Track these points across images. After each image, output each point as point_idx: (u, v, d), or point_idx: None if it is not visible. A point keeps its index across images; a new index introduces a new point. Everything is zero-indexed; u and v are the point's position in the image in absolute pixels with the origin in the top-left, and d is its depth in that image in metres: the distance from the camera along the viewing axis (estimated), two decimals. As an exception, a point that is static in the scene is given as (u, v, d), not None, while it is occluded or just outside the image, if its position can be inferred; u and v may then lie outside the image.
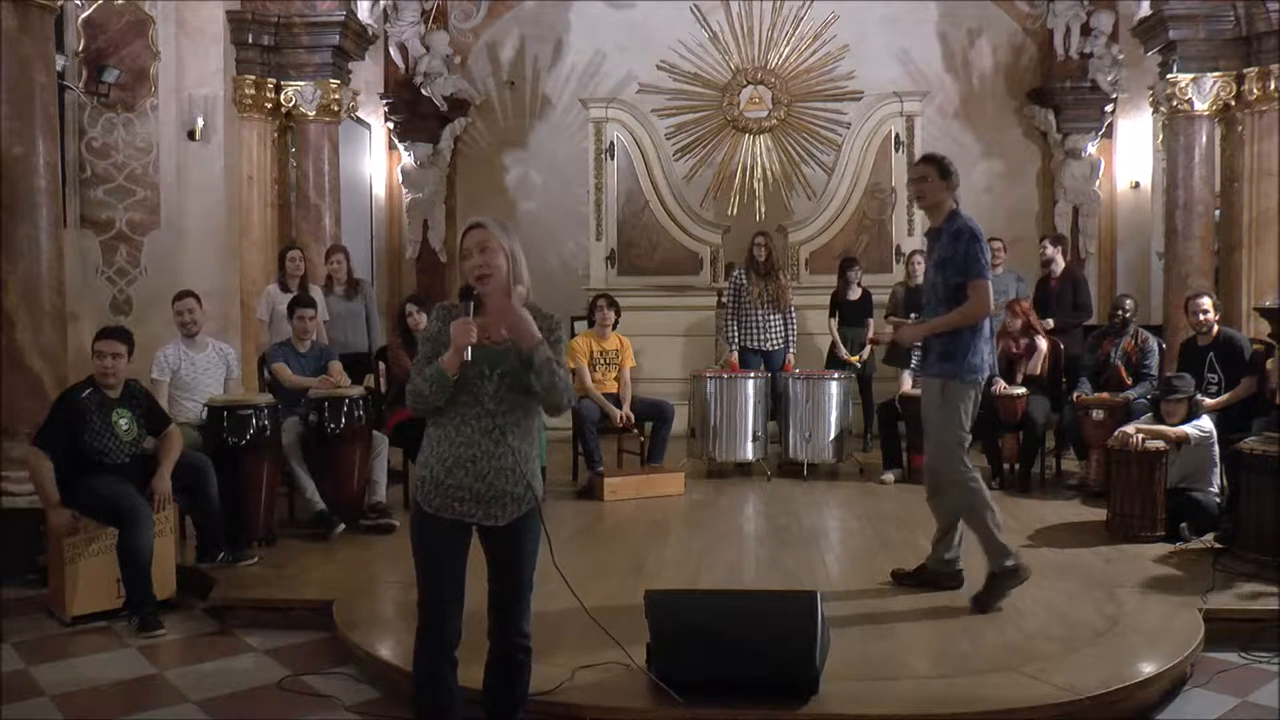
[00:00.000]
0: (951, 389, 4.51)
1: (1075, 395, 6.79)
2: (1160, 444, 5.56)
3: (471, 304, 2.89)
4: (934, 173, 4.63)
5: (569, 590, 3.33)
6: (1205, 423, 5.67)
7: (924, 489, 4.91)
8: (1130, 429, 5.70)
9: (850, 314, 8.53)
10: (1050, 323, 7.70)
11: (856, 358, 8.37)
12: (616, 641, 3.58)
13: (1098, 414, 6.54)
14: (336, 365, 6.25)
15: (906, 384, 7.32)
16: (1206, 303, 6.46)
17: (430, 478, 2.94)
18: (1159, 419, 5.76)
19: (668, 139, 10.20)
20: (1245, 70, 7.99)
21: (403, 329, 6.65)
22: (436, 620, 2.96)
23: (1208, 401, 6.07)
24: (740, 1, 10.11)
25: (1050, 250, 8.11)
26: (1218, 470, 5.68)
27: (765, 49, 10.13)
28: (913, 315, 8.21)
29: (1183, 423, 5.64)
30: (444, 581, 2.95)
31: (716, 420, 7.33)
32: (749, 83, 10.18)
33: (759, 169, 10.19)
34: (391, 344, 6.87)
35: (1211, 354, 6.39)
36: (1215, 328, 6.44)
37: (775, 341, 8.08)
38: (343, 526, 5.70)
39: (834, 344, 8.49)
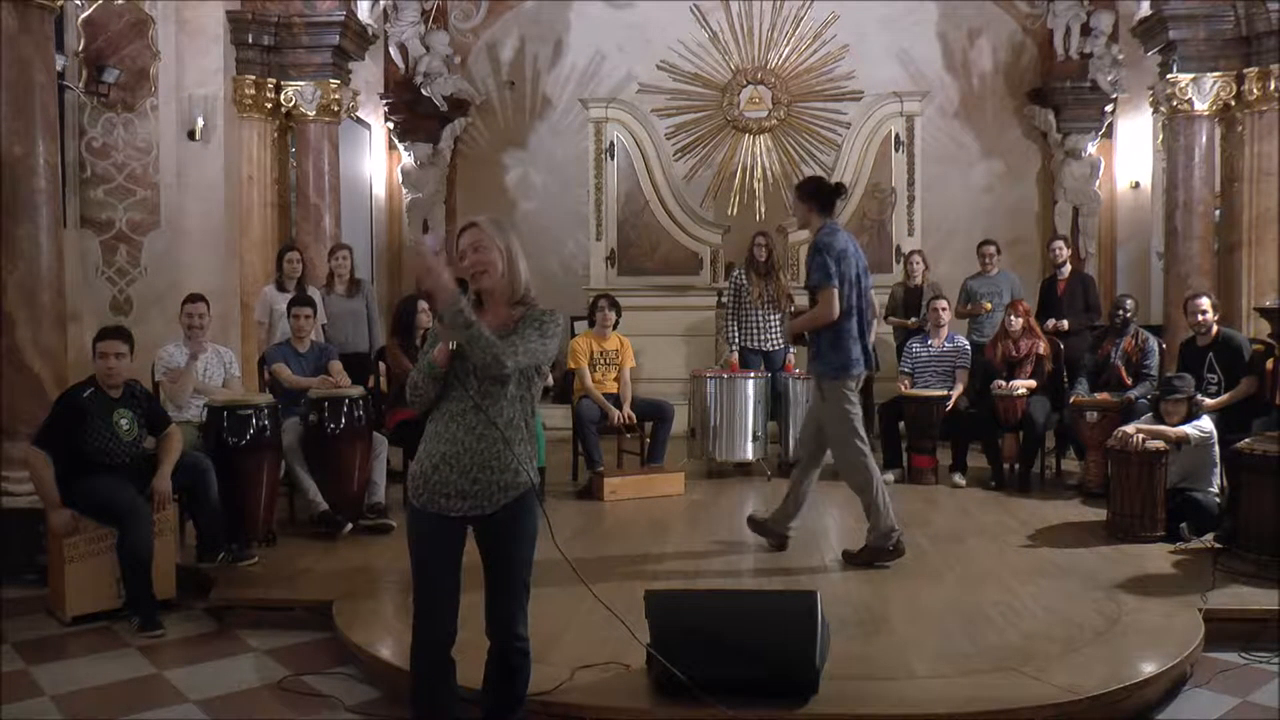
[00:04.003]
0: (825, 386, 5.17)
1: (1072, 397, 6.79)
2: (1160, 444, 5.56)
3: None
4: (794, 199, 5.43)
5: (569, 589, 3.33)
6: (1205, 423, 5.67)
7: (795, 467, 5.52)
8: (1130, 429, 5.70)
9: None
10: (1065, 324, 7.71)
11: None
12: (625, 624, 3.56)
13: (1092, 415, 6.56)
14: (337, 365, 6.25)
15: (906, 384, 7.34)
16: (1205, 303, 6.46)
17: (419, 473, 2.97)
18: (1159, 419, 5.76)
19: (668, 139, 10.20)
20: (1245, 70, 7.99)
21: (403, 329, 6.64)
22: (429, 618, 2.97)
23: (1208, 402, 6.07)
24: (740, 1, 10.12)
25: (1065, 252, 8.12)
26: (1218, 470, 5.68)
27: (765, 49, 10.13)
28: (913, 318, 8.26)
29: (1183, 423, 5.64)
30: (435, 579, 2.97)
31: (716, 420, 7.33)
32: (749, 83, 10.18)
33: (759, 169, 10.20)
34: (389, 344, 6.87)
35: (1211, 354, 6.39)
36: (1214, 328, 6.44)
37: (775, 341, 8.08)
38: (350, 527, 5.70)
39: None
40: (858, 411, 5.17)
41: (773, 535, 5.37)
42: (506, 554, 3.00)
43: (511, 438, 2.93)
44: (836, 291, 5.00)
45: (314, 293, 7.01)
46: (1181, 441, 5.58)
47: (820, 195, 5.20)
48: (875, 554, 5.05)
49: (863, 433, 5.17)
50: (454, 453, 2.91)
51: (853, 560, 5.07)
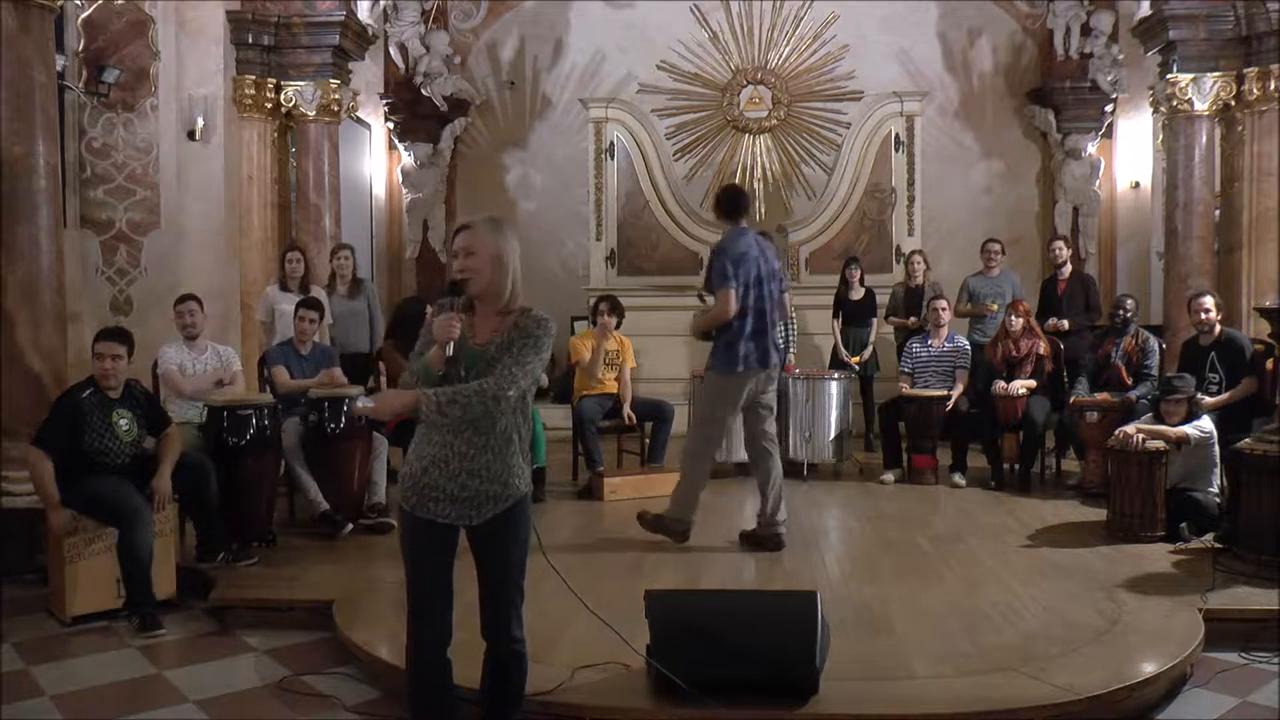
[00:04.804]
0: (709, 378, 5.52)
1: (1072, 397, 6.80)
2: (1160, 444, 5.56)
3: (457, 300, 2.90)
4: (712, 206, 6.03)
5: (568, 589, 3.33)
6: (1205, 423, 5.67)
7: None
8: (1130, 429, 5.70)
9: (852, 314, 8.54)
10: (1065, 324, 7.72)
11: (857, 359, 8.37)
12: (618, 633, 3.57)
13: (1091, 416, 6.56)
14: (337, 372, 6.23)
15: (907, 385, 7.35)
16: (1209, 302, 6.45)
17: (409, 475, 2.95)
18: (1159, 419, 5.76)
19: (668, 139, 10.20)
20: (1245, 70, 7.98)
21: (401, 329, 6.64)
22: (422, 618, 2.97)
23: (1207, 400, 6.07)
24: (740, 1, 10.12)
25: (1065, 252, 8.13)
26: (1218, 470, 5.67)
27: (765, 49, 10.14)
28: (912, 318, 8.26)
29: (1183, 423, 5.64)
30: (427, 580, 2.96)
31: (716, 421, 7.31)
32: (749, 83, 10.19)
33: (759, 169, 10.21)
34: (386, 345, 6.87)
35: (1213, 354, 6.37)
36: (1217, 328, 6.43)
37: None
38: (350, 527, 5.71)
39: (835, 345, 8.51)
40: (726, 413, 5.48)
41: (768, 540, 5.40)
42: (498, 557, 2.98)
43: (503, 448, 2.91)
44: (733, 293, 5.30)
45: (318, 293, 7.02)
46: (1181, 442, 5.58)
47: (722, 203, 5.67)
48: (659, 525, 5.48)
49: (720, 434, 5.58)
50: (443, 456, 2.89)
51: (644, 522, 5.54)
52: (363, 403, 2.84)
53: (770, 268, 5.49)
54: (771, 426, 5.61)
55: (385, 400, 2.87)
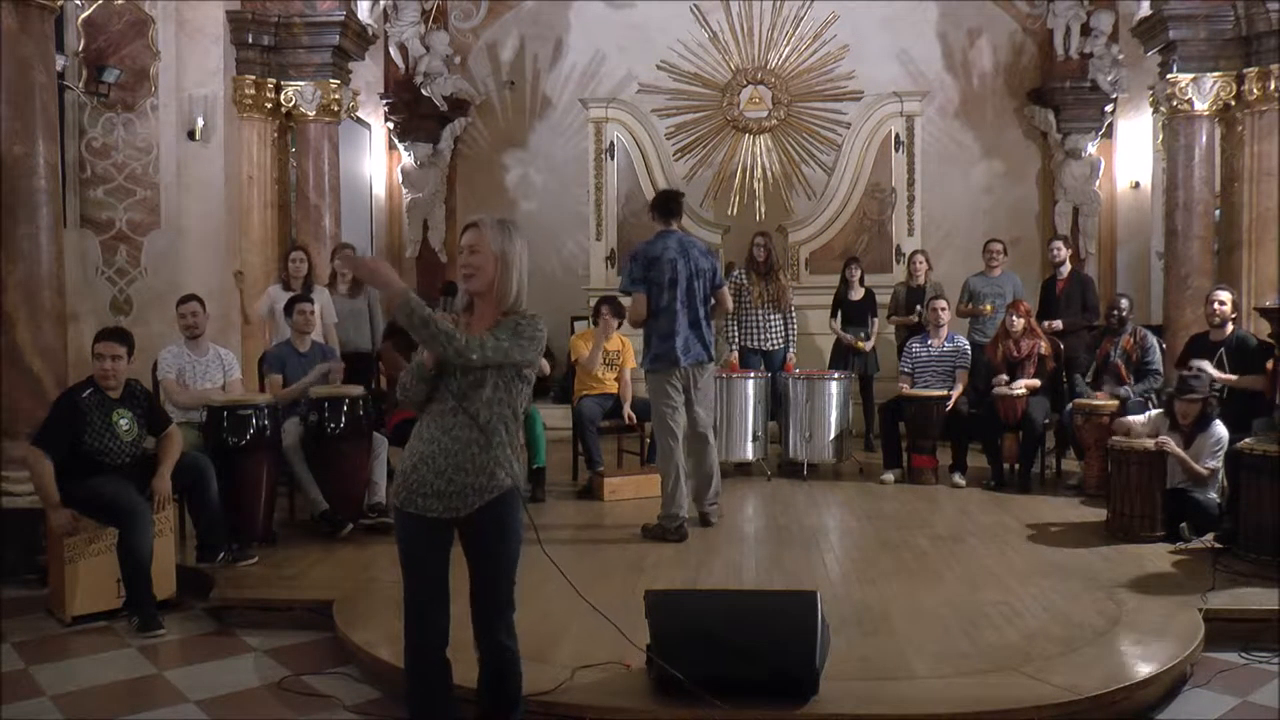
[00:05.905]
0: (648, 376, 5.77)
1: (1075, 399, 6.80)
2: (1161, 447, 5.55)
3: (451, 301, 2.92)
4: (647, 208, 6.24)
5: (567, 589, 3.33)
6: (1220, 432, 5.60)
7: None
8: (1141, 429, 5.68)
9: (852, 314, 8.54)
10: (1059, 324, 7.72)
11: (861, 343, 8.33)
12: (617, 627, 3.57)
13: (1079, 419, 6.58)
14: (339, 365, 6.23)
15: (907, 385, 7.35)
16: (1225, 296, 6.43)
17: (401, 471, 2.98)
18: (1171, 417, 5.71)
19: (668, 139, 10.20)
20: (1245, 70, 7.99)
21: (399, 329, 6.63)
22: (418, 618, 2.96)
23: (1214, 372, 6.00)
24: (740, 1, 10.12)
25: (1064, 252, 8.14)
26: (1218, 470, 5.67)
27: (765, 49, 10.13)
28: (914, 317, 8.26)
29: (1195, 423, 5.58)
30: (420, 578, 2.96)
31: (717, 420, 7.30)
32: (749, 83, 10.18)
33: (759, 169, 10.20)
34: (385, 345, 6.87)
35: (1222, 351, 6.35)
36: (1229, 325, 6.40)
37: (775, 341, 8.08)
38: (351, 526, 5.70)
39: (837, 341, 8.51)
40: (673, 402, 5.67)
41: (669, 531, 5.62)
42: (487, 552, 2.97)
43: (488, 440, 2.90)
44: (642, 296, 5.63)
45: (317, 292, 7.01)
46: (1201, 475, 5.51)
47: (654, 205, 5.94)
48: (660, 532, 5.58)
49: (676, 424, 5.67)
50: (430, 453, 2.90)
51: (646, 533, 5.63)
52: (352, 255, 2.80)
53: (695, 267, 5.68)
54: (704, 426, 5.81)
55: (377, 266, 2.81)
